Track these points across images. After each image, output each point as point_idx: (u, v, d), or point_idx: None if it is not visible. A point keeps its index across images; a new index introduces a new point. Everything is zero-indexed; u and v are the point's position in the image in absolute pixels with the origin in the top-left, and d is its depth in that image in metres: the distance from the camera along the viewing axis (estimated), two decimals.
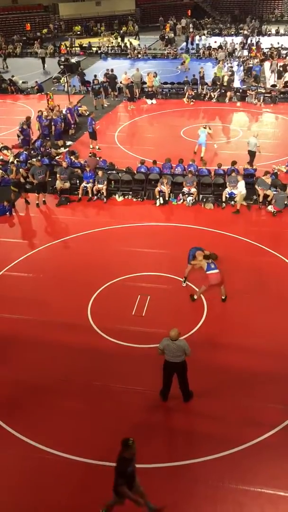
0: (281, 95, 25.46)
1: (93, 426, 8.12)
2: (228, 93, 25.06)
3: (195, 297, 10.85)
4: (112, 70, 26.91)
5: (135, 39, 42.95)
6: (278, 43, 37.39)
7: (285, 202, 14.54)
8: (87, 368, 9.26)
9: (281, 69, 27.53)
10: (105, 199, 15.65)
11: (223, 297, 10.84)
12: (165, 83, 27.35)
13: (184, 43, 40.27)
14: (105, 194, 15.66)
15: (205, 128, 18.39)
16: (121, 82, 26.85)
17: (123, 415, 8.27)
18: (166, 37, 41.17)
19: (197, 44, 39.64)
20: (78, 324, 10.34)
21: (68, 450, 7.67)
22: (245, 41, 37.83)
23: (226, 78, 25.94)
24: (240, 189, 14.47)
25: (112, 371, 9.17)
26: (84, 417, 8.28)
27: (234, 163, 15.72)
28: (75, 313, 10.65)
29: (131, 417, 8.23)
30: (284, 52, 34.44)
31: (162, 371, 8.22)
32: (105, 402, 8.53)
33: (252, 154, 17.06)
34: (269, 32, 42.75)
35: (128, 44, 39.37)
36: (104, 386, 8.84)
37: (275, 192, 14.61)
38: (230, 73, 27.00)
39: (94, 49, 39.07)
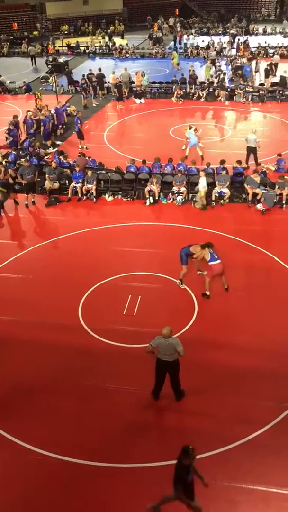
0: (269, 94, 25.60)
1: (85, 426, 8.10)
2: (222, 92, 25.17)
3: (208, 293, 10.87)
4: (100, 70, 26.91)
5: (121, 38, 42.90)
6: (266, 42, 37.59)
7: (274, 200, 14.63)
8: (78, 369, 9.23)
9: (268, 68, 27.69)
10: (94, 199, 15.62)
11: (226, 287, 11.06)
12: (154, 82, 27.35)
13: (172, 43, 40.31)
14: (94, 194, 15.62)
15: (190, 128, 18.46)
16: (109, 82, 26.82)
17: (115, 415, 8.27)
18: (154, 37, 41.18)
19: (185, 44, 39.70)
20: (68, 324, 10.31)
21: (59, 451, 7.64)
22: (232, 40, 37.96)
23: (217, 78, 26.06)
24: (202, 185, 14.54)
25: (103, 371, 9.15)
26: (76, 418, 8.25)
27: (223, 162, 15.77)
28: (65, 313, 10.61)
29: (123, 417, 8.23)
30: (271, 51, 34.61)
31: (153, 370, 8.22)
32: (97, 402, 8.51)
33: (252, 150, 17.17)
34: (256, 31, 42.94)
35: (116, 44, 39.28)
36: (96, 386, 8.82)
37: (264, 191, 14.68)
38: (221, 72, 27.09)
39: (82, 48, 38.97)
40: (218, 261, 10.56)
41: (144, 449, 7.68)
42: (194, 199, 15.28)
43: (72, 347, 9.71)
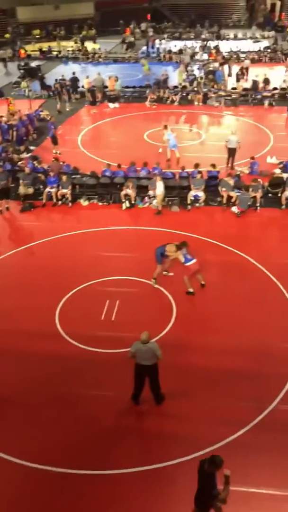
0: (241, 97, 25.97)
1: (64, 434, 8.00)
2: (199, 97, 25.43)
3: (191, 290, 11.08)
4: (74, 73, 26.90)
5: (93, 43, 42.90)
6: (237, 47, 38.16)
7: (249, 203, 14.82)
8: (57, 376, 9.12)
9: (239, 72, 28.11)
10: (70, 203, 15.52)
11: (202, 283, 11.27)
12: (127, 87, 27.41)
13: (145, 47, 40.52)
14: (70, 198, 15.52)
15: (166, 128, 18.55)
16: (83, 87, 26.77)
17: (96, 421, 8.20)
18: (127, 41, 41.31)
19: (158, 48, 39.95)
20: (45, 331, 10.18)
21: (39, 460, 7.52)
22: (204, 45, 38.39)
23: (194, 83, 26.34)
24: (159, 190, 14.64)
25: (82, 378, 9.07)
26: (55, 426, 8.15)
27: (197, 165, 15.89)
28: (42, 320, 10.48)
29: (104, 423, 8.17)
30: (242, 56, 35.14)
31: (133, 375, 8.19)
32: (76, 410, 8.43)
33: (233, 152, 17.37)
34: (227, 36, 43.53)
35: (88, 48, 39.24)
36: (75, 393, 8.73)
37: (238, 194, 14.85)
38: (194, 76, 27.34)
39: (55, 53, 38.76)
40: (194, 260, 10.81)
41: (126, 454, 7.63)
42: (170, 202, 15.35)
43: (50, 354, 9.59)
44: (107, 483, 7.23)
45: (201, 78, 27.38)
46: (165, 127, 18.81)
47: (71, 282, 11.61)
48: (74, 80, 26.61)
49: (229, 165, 17.50)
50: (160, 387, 8.30)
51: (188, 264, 10.81)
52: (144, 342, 7.89)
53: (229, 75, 29.09)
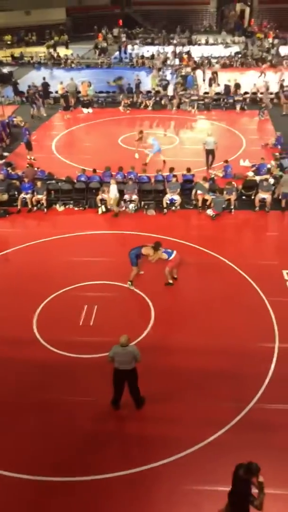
0: (214, 102, 26.32)
1: (44, 442, 7.92)
2: (174, 101, 25.70)
3: (171, 281, 11.55)
4: (44, 78, 26.85)
5: (66, 48, 42.83)
6: (208, 52, 38.67)
7: (223, 206, 15.01)
8: (36, 383, 9.04)
9: (210, 77, 28.48)
10: (45, 209, 15.42)
11: (175, 276, 11.72)
12: (101, 92, 27.46)
13: (117, 52, 40.66)
14: (45, 204, 15.43)
15: (141, 133, 18.74)
16: (56, 92, 26.68)
17: (76, 427, 8.15)
18: (99, 47, 41.39)
19: (130, 54, 40.15)
20: (23, 338, 10.08)
21: (18, 470, 7.43)
22: (176, 51, 38.79)
23: (171, 87, 26.61)
24: (113, 193, 14.78)
25: (62, 384, 9.01)
26: (35, 434, 8.07)
27: (172, 169, 16.02)
28: (19, 327, 10.37)
29: (84, 429, 8.13)
30: (214, 61, 35.64)
31: (112, 380, 8.18)
32: (56, 416, 8.36)
33: (211, 152, 17.68)
34: (199, 42, 44.07)
35: (60, 54, 39.15)
36: (54, 399, 8.66)
37: (213, 196, 15.03)
38: (167, 81, 27.64)
39: (27, 59, 38.52)
40: (174, 252, 11.23)
41: (107, 459, 7.61)
42: (146, 206, 15.42)
43: (28, 361, 9.49)
44: (89, 489, 7.19)
45: (179, 83, 27.63)
46: (141, 132, 18.94)
47: (48, 288, 11.53)
48: (45, 85, 26.56)
49: (210, 166, 17.81)
50: (140, 391, 8.31)
51: (171, 258, 11.13)
52: (123, 345, 7.89)
53: (204, 79, 29.41)
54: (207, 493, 7.11)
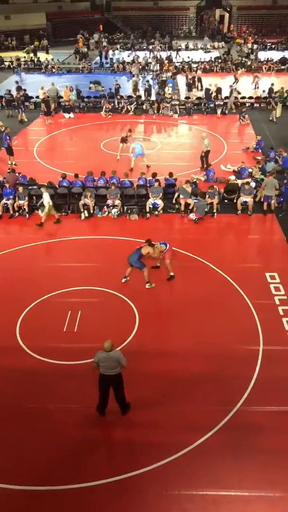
0: (195, 106, 26.51)
1: (29, 450, 7.81)
2: (155, 106, 25.86)
3: (172, 273, 11.94)
4: (17, 82, 26.92)
5: (46, 53, 42.72)
6: (188, 57, 39.00)
7: (206, 210, 15.09)
8: (19, 391, 8.91)
9: (191, 81, 28.69)
10: (27, 215, 15.29)
11: (158, 264, 12.21)
12: (82, 97, 27.39)
13: (98, 58, 40.71)
14: (27, 210, 15.29)
15: (124, 141, 18.87)
16: (37, 97, 26.55)
17: (61, 435, 8.06)
18: (80, 52, 41.40)
19: (111, 59, 40.23)
20: (6, 346, 9.94)
21: (4, 479, 7.30)
22: (157, 56, 39.02)
23: (153, 92, 26.79)
24: (46, 201, 14.73)
25: (46, 391, 8.90)
26: (19, 443, 7.94)
27: (154, 175, 16.05)
28: (2, 334, 10.23)
29: (70, 436, 8.04)
30: (194, 65, 35.94)
31: (97, 386, 8.12)
32: (41, 424, 8.25)
33: (208, 153, 18.15)
34: (179, 47, 44.42)
35: (41, 58, 39.04)
36: (39, 407, 8.55)
37: (195, 200, 15.10)
38: (150, 86, 27.79)
39: (7, 63, 38.29)
40: (166, 242, 11.70)
41: (93, 467, 7.53)
42: (129, 211, 15.41)
43: (11, 369, 9.36)
44: (75, 498, 7.10)
45: (168, 90, 27.76)
46: (130, 130, 19.08)
47: (31, 294, 11.41)
48: (19, 89, 26.50)
49: (204, 166, 18.23)
50: (125, 398, 8.26)
51: (168, 247, 11.57)
52: (107, 350, 7.84)
53: (187, 84, 29.55)
54: (194, 498, 7.09)
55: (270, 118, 24.65)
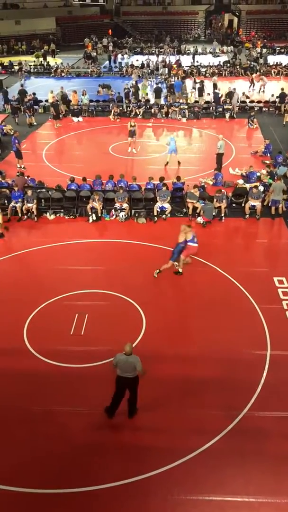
0: (203, 110, 26.52)
1: (37, 453, 7.82)
2: (164, 110, 25.92)
3: (180, 270, 12.15)
4: (22, 85, 27.19)
5: (53, 57, 43.02)
6: (197, 61, 39.06)
7: (213, 213, 15.07)
8: (26, 394, 8.93)
9: (200, 85, 28.69)
10: (36, 218, 15.36)
11: (180, 270, 12.19)
12: (91, 100, 27.54)
13: (107, 62, 40.91)
14: (35, 213, 15.37)
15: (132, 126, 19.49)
16: (46, 101, 26.73)
17: (68, 437, 8.06)
18: (90, 55, 41.65)
19: (120, 63, 40.40)
20: (13, 348, 9.98)
21: (11, 482, 7.31)
22: (166, 60, 39.11)
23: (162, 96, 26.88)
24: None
25: (52, 394, 8.91)
26: (27, 446, 7.95)
27: (162, 179, 16.07)
28: (10, 336, 10.27)
29: (76, 439, 8.04)
30: (203, 70, 35.98)
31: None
32: (47, 427, 8.26)
33: (221, 156, 18.16)
34: (188, 51, 44.51)
35: (50, 63, 39.30)
36: (46, 410, 8.56)
37: (203, 204, 15.09)
38: (161, 89, 27.90)
39: (16, 67, 38.61)
40: (196, 244, 11.89)
41: (99, 470, 7.52)
42: (136, 215, 15.43)
43: (19, 371, 9.39)
44: (81, 501, 7.10)
45: (169, 92, 27.81)
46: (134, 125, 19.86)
47: (38, 297, 11.45)
48: (22, 93, 26.79)
49: (217, 168, 18.27)
50: (137, 401, 8.25)
51: (191, 244, 11.74)
52: (128, 353, 7.88)
53: (194, 88, 29.60)
54: (200, 503, 7.05)
55: (284, 123, 24.63)
